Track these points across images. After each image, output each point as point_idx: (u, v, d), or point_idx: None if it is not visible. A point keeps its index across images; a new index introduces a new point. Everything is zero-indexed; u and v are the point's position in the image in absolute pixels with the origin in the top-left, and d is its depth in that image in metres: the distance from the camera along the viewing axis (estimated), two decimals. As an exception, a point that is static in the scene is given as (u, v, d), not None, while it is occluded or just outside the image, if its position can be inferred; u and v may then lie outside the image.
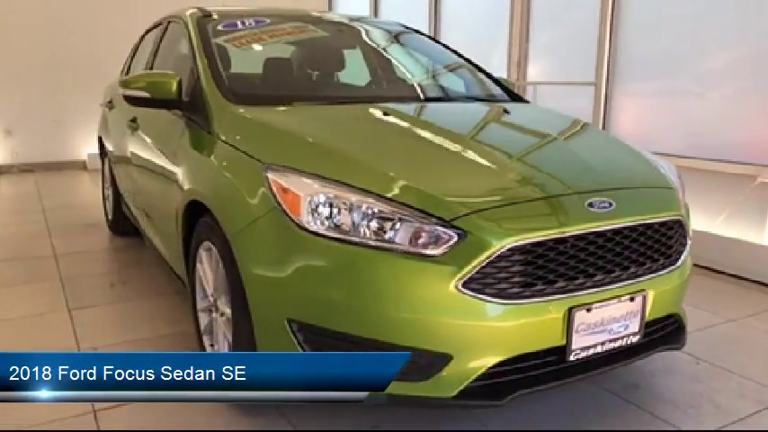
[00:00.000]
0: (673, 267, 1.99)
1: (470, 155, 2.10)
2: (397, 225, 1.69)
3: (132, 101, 2.60)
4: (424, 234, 1.68)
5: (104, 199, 4.62)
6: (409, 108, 2.52)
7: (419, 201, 1.72)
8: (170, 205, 2.54)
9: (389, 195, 1.73)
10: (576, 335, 1.76)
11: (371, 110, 2.43)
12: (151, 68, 3.37)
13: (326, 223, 1.73)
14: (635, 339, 1.91)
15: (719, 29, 3.92)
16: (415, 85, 2.95)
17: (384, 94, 2.72)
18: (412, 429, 2.01)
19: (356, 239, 1.70)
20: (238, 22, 2.97)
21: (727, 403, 2.23)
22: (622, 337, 1.88)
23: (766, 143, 3.68)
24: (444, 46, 3.30)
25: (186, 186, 2.29)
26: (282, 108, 2.36)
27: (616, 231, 1.82)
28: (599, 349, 1.83)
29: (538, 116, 2.80)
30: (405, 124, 2.38)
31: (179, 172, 2.43)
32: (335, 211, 1.73)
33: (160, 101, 2.52)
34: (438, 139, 2.20)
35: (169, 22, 3.39)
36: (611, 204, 1.84)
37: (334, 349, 1.75)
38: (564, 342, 1.76)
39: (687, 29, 4.10)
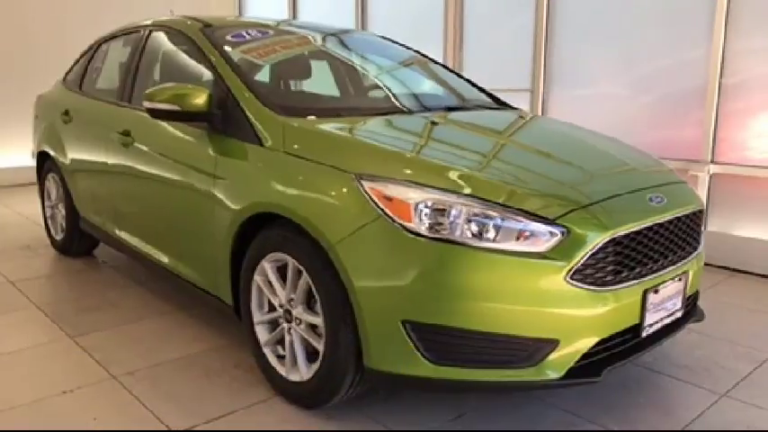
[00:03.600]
0: (700, 249, 2.33)
1: (537, 155, 2.33)
2: (504, 225, 1.85)
3: (157, 113, 2.53)
4: (530, 232, 1.85)
5: (48, 218, 4.29)
6: (448, 116, 2.67)
7: (520, 200, 1.89)
8: (203, 223, 2.50)
9: (491, 198, 1.89)
10: (647, 313, 2.03)
11: (421, 119, 2.57)
12: (134, 79, 3.23)
13: (436, 227, 1.85)
14: (679, 314, 2.22)
15: (646, 39, 4.45)
16: (433, 95, 3.11)
17: (412, 104, 2.85)
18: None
19: (465, 240, 1.83)
20: (244, 33, 2.96)
21: (730, 365, 2.62)
22: (672, 313, 2.18)
23: (689, 141, 4.25)
24: (435, 62, 3.49)
25: (244, 200, 2.28)
26: (337, 119, 2.42)
27: (671, 221, 2.11)
28: (658, 325, 2.12)
29: (550, 122, 3.07)
30: (461, 131, 2.54)
31: (221, 186, 2.40)
32: (444, 215, 1.85)
33: (189, 114, 2.47)
34: (500, 141, 2.39)
35: (150, 31, 3.27)
36: (663, 199, 2.13)
37: (446, 344, 1.87)
38: (638, 320, 2.02)
39: (616, 39, 4.61)
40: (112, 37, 3.73)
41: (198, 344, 2.76)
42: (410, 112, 2.67)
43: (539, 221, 1.86)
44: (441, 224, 1.85)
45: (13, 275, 3.71)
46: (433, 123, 2.49)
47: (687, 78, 4.24)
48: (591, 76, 4.79)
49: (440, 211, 1.86)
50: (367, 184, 1.94)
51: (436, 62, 3.45)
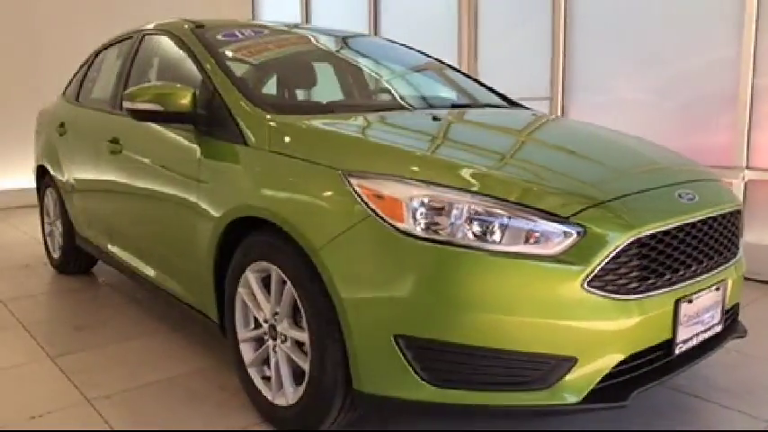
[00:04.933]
0: (739, 255, 2.05)
1: (548, 151, 2.09)
2: (512, 224, 1.61)
3: (138, 115, 2.35)
4: (541, 232, 1.61)
5: (46, 235, 4.15)
6: (452, 113, 2.46)
7: (529, 197, 1.66)
8: (187, 230, 2.30)
9: (497, 194, 1.65)
10: (680, 327, 1.76)
11: (421, 115, 2.36)
12: (125, 85, 3.08)
13: (433, 228, 1.62)
14: (718, 329, 1.94)
15: (670, 42, 4.20)
16: (436, 93, 2.89)
17: (414, 101, 2.63)
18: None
19: (468, 243, 1.60)
20: (237, 33, 2.79)
21: (776, 386, 2.32)
22: (710, 328, 1.90)
23: (720, 146, 3.96)
24: (439, 61, 3.28)
25: (226, 204, 2.08)
26: (328, 115, 2.22)
27: (703, 221, 1.85)
28: (694, 341, 1.84)
29: (569, 120, 2.83)
30: (465, 126, 2.32)
31: (204, 191, 2.20)
32: (442, 214, 1.62)
33: (172, 114, 2.29)
34: (508, 137, 2.16)
35: (143, 36, 3.13)
36: (695, 196, 1.87)
37: (445, 363, 1.63)
38: (671, 335, 1.75)
39: (637, 42, 4.36)
40: (109, 45, 3.60)
41: (184, 365, 2.54)
42: (410, 109, 2.46)
43: (551, 220, 1.62)
44: (438, 224, 1.62)
45: (5, 294, 3.55)
46: (435, 119, 2.27)
47: (716, 80, 3.97)
48: (612, 81, 4.54)
49: (437, 210, 1.63)
50: (355, 182, 1.72)
51: (440, 61, 3.24)
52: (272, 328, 1.99)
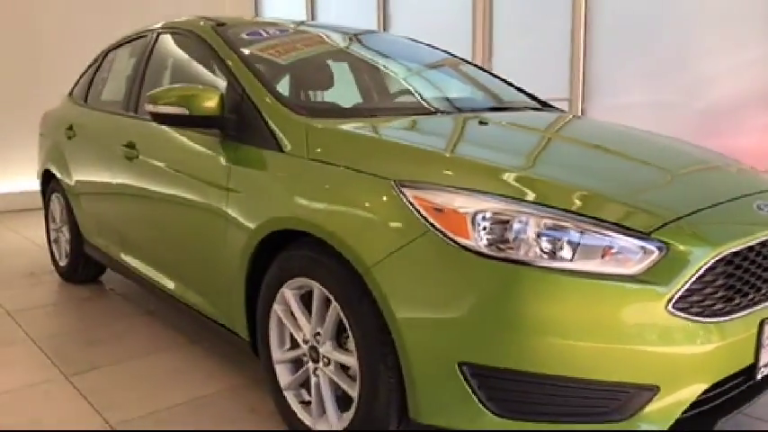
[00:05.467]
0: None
1: (608, 158, 1.95)
2: (585, 240, 1.47)
3: (161, 118, 2.21)
4: (618, 249, 1.47)
5: (52, 242, 3.98)
6: (495, 116, 2.31)
7: (603, 210, 1.52)
8: (215, 242, 2.15)
9: (567, 207, 1.51)
10: (763, 350, 1.62)
11: (464, 119, 2.22)
12: (140, 87, 2.93)
13: (499, 244, 1.47)
14: (796, 350, 1.80)
15: (696, 42, 4.07)
16: (473, 96, 2.74)
17: (453, 104, 2.48)
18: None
19: (538, 261, 1.46)
20: (261, 31, 2.64)
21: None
22: (790, 350, 1.76)
23: (754, 149, 3.84)
24: (468, 62, 3.14)
25: (261, 216, 1.93)
26: (368, 119, 2.07)
27: (786, 235, 1.71)
28: (774, 365, 1.70)
29: (606, 122, 2.69)
30: (515, 131, 2.17)
31: (235, 201, 2.05)
32: (509, 229, 1.48)
33: (198, 118, 2.15)
34: (563, 143, 2.03)
35: (158, 35, 2.98)
36: (773, 207, 1.73)
37: (515, 393, 1.49)
38: (753, 359, 1.61)
39: (661, 42, 4.24)
40: (119, 45, 3.45)
41: (209, 384, 2.39)
42: (449, 112, 2.31)
43: (629, 235, 1.48)
44: (504, 240, 1.48)
45: (12, 305, 3.38)
46: (482, 123, 2.12)
47: (746, 80, 3.85)
48: (635, 82, 4.42)
49: (502, 224, 1.49)
50: (410, 193, 1.57)
51: (468, 62, 3.10)
52: (313, 349, 1.84)
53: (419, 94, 2.50)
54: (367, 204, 1.64)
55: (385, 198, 1.61)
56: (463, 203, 1.52)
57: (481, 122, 2.12)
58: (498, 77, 3.03)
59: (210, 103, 2.13)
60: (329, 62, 2.71)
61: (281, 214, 1.86)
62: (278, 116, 2.05)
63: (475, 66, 3.09)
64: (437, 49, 3.11)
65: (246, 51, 2.40)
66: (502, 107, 2.48)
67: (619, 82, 4.48)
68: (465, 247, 1.48)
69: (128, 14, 6.68)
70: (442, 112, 2.25)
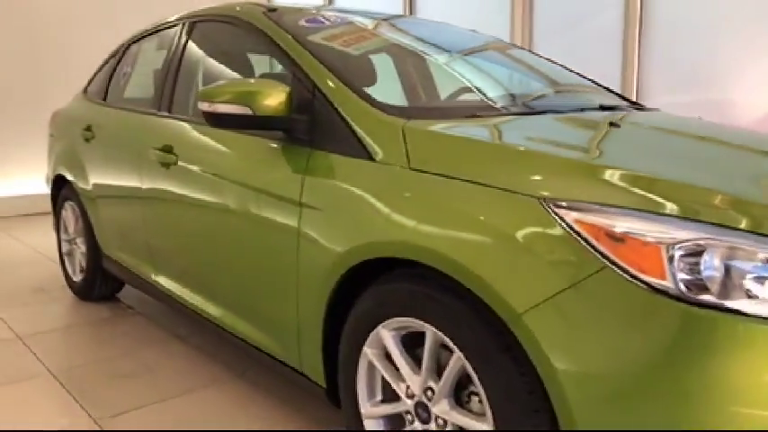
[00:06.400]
0: None
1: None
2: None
3: (217, 120, 1.85)
4: None
5: (64, 254, 3.60)
6: (616, 117, 1.95)
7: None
8: (283, 266, 1.80)
9: (783, 237, 1.17)
10: None
11: (591, 120, 1.88)
12: (174, 83, 2.56)
13: (702, 286, 1.13)
14: None
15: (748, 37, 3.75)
16: (576, 92, 2.38)
17: (563, 102, 2.13)
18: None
19: (753, 309, 1.11)
20: (321, 18, 2.28)
21: None
22: None
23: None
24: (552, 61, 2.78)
25: (352, 239, 1.57)
26: (471, 120, 1.72)
27: None
28: None
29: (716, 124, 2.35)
30: (655, 135, 1.81)
31: (312, 219, 1.70)
32: (712, 266, 1.14)
33: (263, 120, 1.79)
34: (715, 149, 1.68)
35: (193, 23, 2.61)
36: None
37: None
38: None
39: (730, 34, 3.91)
40: (143, 36, 3.08)
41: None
42: (562, 111, 1.95)
43: None
44: (710, 279, 1.13)
45: (23, 328, 3.01)
46: (612, 125, 1.77)
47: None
48: (697, 78, 4.09)
49: (697, 258, 1.15)
50: (569, 215, 1.22)
51: (553, 61, 2.74)
52: (422, 406, 1.49)
53: (517, 92, 2.15)
54: (507, 229, 1.29)
55: (532, 221, 1.26)
56: (652, 230, 1.17)
57: (612, 124, 1.77)
58: (585, 77, 2.67)
59: (278, 102, 1.78)
60: (404, 54, 2.35)
61: (382, 238, 1.50)
62: (364, 117, 1.70)
63: (558, 63, 2.72)
64: (515, 45, 2.75)
65: (311, 41, 2.04)
66: (608, 106, 2.13)
67: (681, 77, 4.14)
68: (655, 288, 1.13)
69: (128, 10, 6.31)
70: (555, 112, 1.89)
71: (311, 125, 1.81)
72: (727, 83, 3.94)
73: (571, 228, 1.21)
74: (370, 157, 1.63)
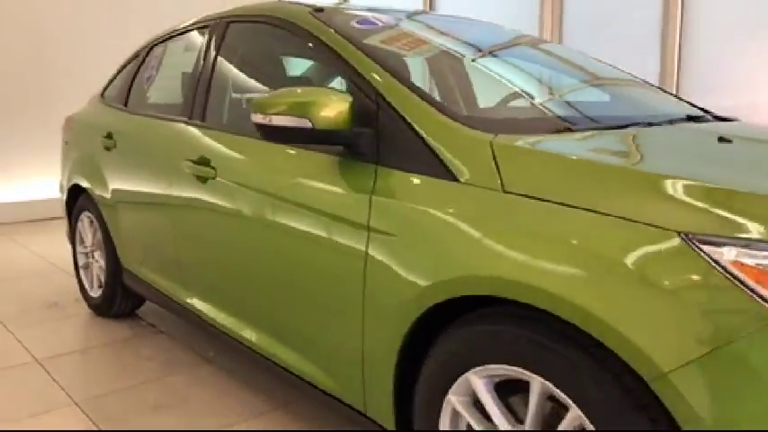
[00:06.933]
0: None
1: None
2: None
3: (272, 133, 1.66)
4: None
5: (79, 268, 3.40)
6: (717, 130, 1.76)
7: None
8: (347, 297, 1.61)
9: None
10: None
11: (694, 134, 1.69)
12: (208, 89, 2.37)
13: None
14: None
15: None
16: (657, 102, 2.18)
17: (648, 112, 1.93)
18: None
19: None
20: (374, 20, 2.09)
21: None
22: None
23: None
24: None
25: (435, 271, 1.38)
26: (566, 135, 1.53)
27: None
28: None
29: None
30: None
31: (384, 246, 1.51)
32: None
33: (325, 133, 1.60)
34: None
35: (228, 24, 2.41)
36: None
37: None
38: None
39: (756, 40, 3.73)
40: (169, 37, 2.88)
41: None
42: (657, 123, 1.75)
43: None
44: None
45: (40, 350, 2.82)
46: (722, 140, 1.58)
47: None
48: (746, 80, 3.90)
49: None
50: (726, 255, 1.03)
51: (617, 67, 2.54)
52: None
53: (597, 101, 1.97)
54: (642, 271, 1.09)
55: (675, 262, 1.07)
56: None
57: (722, 140, 1.58)
58: (651, 84, 2.48)
59: (339, 114, 1.59)
60: (469, 60, 2.16)
61: (478, 273, 1.30)
62: (442, 131, 1.51)
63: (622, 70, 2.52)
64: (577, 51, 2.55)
65: (369, 45, 1.85)
66: (695, 117, 1.94)
67: (725, 80, 3.96)
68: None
69: (135, 11, 6.10)
70: (647, 125, 1.70)
71: (376, 139, 1.62)
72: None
73: (727, 270, 1.02)
74: (452, 177, 1.44)
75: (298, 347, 1.88)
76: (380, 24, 2.06)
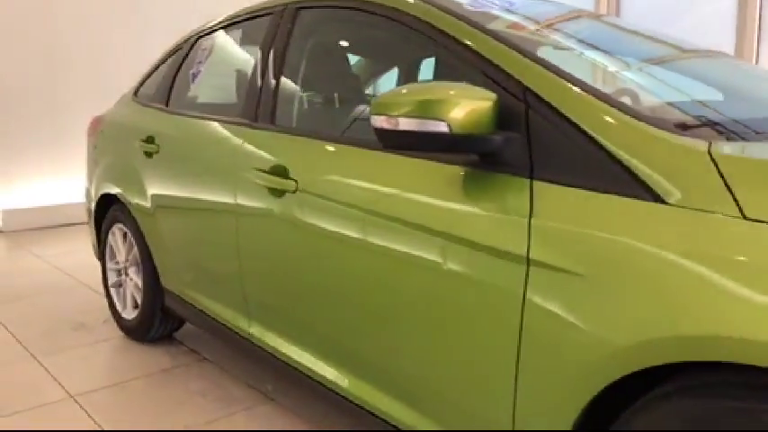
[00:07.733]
0: None
1: None
2: None
3: (397, 139, 1.32)
4: None
5: (110, 286, 3.06)
6: None
7: None
8: (490, 349, 1.29)
9: None
10: None
11: None
12: (276, 88, 2.03)
13: None
14: None
15: None
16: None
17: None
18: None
19: None
20: (484, 2, 1.76)
21: None
22: None
23: None
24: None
25: (639, 328, 1.04)
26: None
27: None
28: None
29: None
30: None
31: (557, 288, 1.17)
32: None
33: (464, 138, 1.27)
34: None
35: (297, 10, 2.07)
36: None
37: None
38: None
39: None
40: (219, 27, 2.54)
41: None
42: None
43: None
44: None
45: (73, 383, 2.47)
46: None
47: None
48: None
49: None
50: None
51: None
52: None
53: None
54: None
55: None
56: None
57: None
58: None
59: (483, 115, 1.26)
60: (607, 51, 1.82)
61: (717, 331, 0.96)
62: (633, 137, 1.17)
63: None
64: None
65: (505, 32, 1.51)
66: None
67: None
68: None
69: (148, 13, 5.76)
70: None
71: (527, 146, 1.29)
72: None
73: None
74: (654, 196, 1.10)
75: (407, 399, 1.55)
76: (495, 7, 1.72)
